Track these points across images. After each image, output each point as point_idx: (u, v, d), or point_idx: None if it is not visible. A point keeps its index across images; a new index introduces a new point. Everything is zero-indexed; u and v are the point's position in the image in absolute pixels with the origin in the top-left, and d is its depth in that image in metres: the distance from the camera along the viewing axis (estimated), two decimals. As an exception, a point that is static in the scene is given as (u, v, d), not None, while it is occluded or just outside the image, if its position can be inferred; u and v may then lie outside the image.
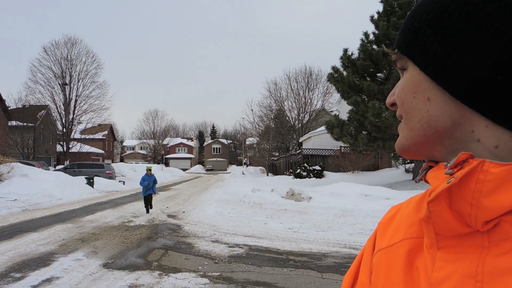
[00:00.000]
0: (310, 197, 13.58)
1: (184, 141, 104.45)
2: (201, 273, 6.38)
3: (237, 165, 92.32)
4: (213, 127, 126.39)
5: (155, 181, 14.49)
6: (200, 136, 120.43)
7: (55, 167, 39.94)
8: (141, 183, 14.37)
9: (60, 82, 43.12)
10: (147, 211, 13.98)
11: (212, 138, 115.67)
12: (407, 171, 22.82)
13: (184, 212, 14.20)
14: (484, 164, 0.51)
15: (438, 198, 0.53)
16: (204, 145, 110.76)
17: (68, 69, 43.59)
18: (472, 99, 0.55)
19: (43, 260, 7.01)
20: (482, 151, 0.55)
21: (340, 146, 28.14)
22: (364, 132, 17.44)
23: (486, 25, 0.53)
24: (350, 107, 17.87)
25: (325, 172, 26.75)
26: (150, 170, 14.69)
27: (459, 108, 0.56)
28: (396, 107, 0.66)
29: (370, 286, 0.68)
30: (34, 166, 25.89)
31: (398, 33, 0.66)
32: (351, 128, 18.14)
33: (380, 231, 0.73)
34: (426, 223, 0.56)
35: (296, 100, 51.83)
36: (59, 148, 45.07)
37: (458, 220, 0.53)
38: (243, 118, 57.95)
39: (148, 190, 14.16)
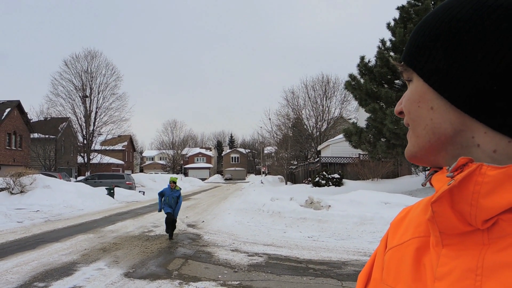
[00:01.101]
0: (329, 206, 13.52)
1: (203, 151, 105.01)
2: (221, 281, 6.41)
3: (255, 174, 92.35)
4: (231, 136, 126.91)
5: (179, 199, 11.08)
6: (219, 146, 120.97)
7: (76, 178, 40.59)
8: (159, 199, 11.11)
9: (80, 94, 43.96)
10: (170, 236, 10.63)
11: (230, 148, 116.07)
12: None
13: (203, 221, 14.27)
14: (482, 167, 0.56)
15: (440, 199, 0.58)
16: (222, 154, 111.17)
17: (89, 81, 44.46)
18: (471, 107, 0.59)
19: (66, 270, 7.13)
20: (482, 155, 0.60)
21: (359, 154, 27.93)
22: (382, 140, 17.31)
23: (482, 41, 0.58)
24: (368, 115, 17.77)
25: (344, 180, 26.58)
26: (175, 182, 11.02)
27: (459, 116, 0.61)
28: (403, 115, 0.70)
29: (381, 283, 0.72)
30: (56, 177, 26.34)
31: (405, 47, 0.70)
32: (370, 135, 18.04)
33: (391, 231, 0.78)
34: (431, 222, 0.61)
35: (313, 108, 51.79)
36: (80, 159, 45.83)
37: (460, 220, 0.57)
38: (261, 127, 58.46)
39: (168, 208, 10.88)
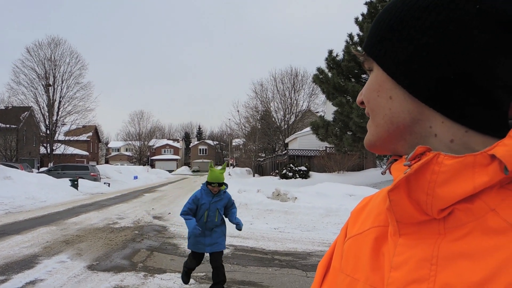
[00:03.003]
0: (296, 197, 13.66)
1: (170, 142, 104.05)
2: (187, 273, 6.39)
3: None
4: (199, 128, 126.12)
5: (232, 207, 5.51)
6: (186, 137, 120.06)
7: (38, 169, 39.44)
8: (186, 217, 5.11)
9: (43, 83, 42.73)
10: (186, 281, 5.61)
11: (198, 139, 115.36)
12: (391, 171, 22.96)
13: (170, 213, 14.16)
14: (439, 157, 0.56)
15: (397, 188, 0.58)
16: (190, 146, 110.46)
17: (52, 70, 43.24)
18: (429, 97, 0.59)
19: (27, 263, 6.95)
20: (439, 145, 0.60)
21: (326, 147, 28.31)
22: (349, 133, 17.59)
23: (440, 30, 0.58)
24: (335, 108, 18.01)
25: (310, 173, 26.89)
26: (222, 181, 5.16)
27: (418, 105, 0.61)
28: (365, 105, 0.70)
29: (339, 272, 0.72)
30: (17, 168, 25.56)
31: (366, 36, 0.70)
32: (336, 128, 18.29)
33: (351, 220, 0.78)
34: (389, 211, 0.61)
35: (282, 101, 52.09)
36: (42, 150, 44.60)
37: (417, 209, 0.57)
38: (229, 119, 58.24)
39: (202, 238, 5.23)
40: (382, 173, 0.71)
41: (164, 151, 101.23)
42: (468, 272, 0.52)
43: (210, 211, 5.09)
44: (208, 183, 5.07)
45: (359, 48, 17.69)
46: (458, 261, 0.53)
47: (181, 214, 5.14)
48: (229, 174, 44.12)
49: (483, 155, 0.54)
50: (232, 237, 9.51)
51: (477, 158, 0.54)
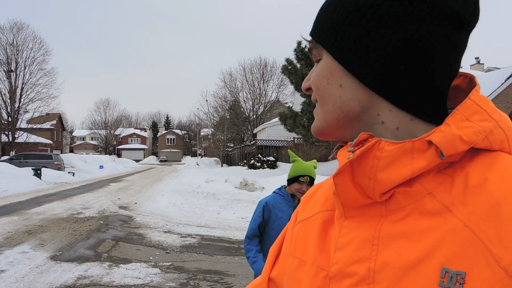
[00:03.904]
0: (263, 187, 13.76)
1: (137, 131, 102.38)
2: (152, 263, 6.37)
3: (191, 156, 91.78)
4: (167, 117, 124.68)
5: None
6: (154, 127, 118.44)
7: (0, 158, 38.22)
8: (250, 253, 3.02)
9: (5, 68, 41.03)
10: None
11: (166, 129, 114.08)
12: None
13: (136, 203, 14.01)
14: (381, 143, 0.58)
15: (342, 173, 0.61)
16: (158, 135, 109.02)
17: (14, 55, 41.51)
18: (378, 85, 0.61)
19: (-14, 254, 6.77)
20: (385, 132, 0.62)
21: (294, 137, 28.52)
22: (316, 124, 17.79)
23: (389, 18, 0.59)
24: (303, 99, 18.15)
25: (278, 163, 27.09)
26: (314, 173, 3.02)
27: (367, 94, 0.62)
28: (311, 91, 0.70)
29: (289, 255, 0.75)
30: (-23, 156, 24.68)
31: (313, 23, 0.69)
32: (304, 119, 18.46)
33: (301, 207, 0.81)
34: (335, 195, 0.64)
35: (251, 91, 51.97)
36: (4, 138, 42.98)
37: (360, 193, 0.61)
38: (198, 108, 57.92)
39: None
40: (329, 159, 0.73)
41: (131, 141, 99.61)
42: (406, 251, 0.55)
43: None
44: (292, 180, 3.00)
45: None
46: (397, 241, 0.57)
47: (245, 243, 3.08)
48: (197, 164, 43.95)
49: (421, 141, 0.57)
50: (199, 226, 9.53)
51: (416, 144, 0.57)
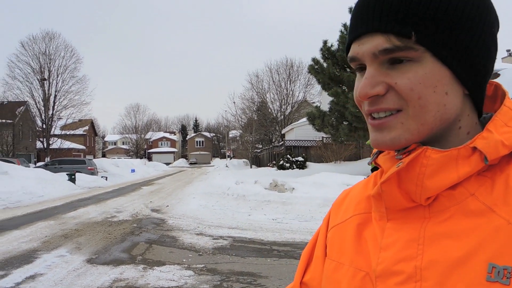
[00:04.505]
0: (293, 188, 13.71)
1: (167, 135, 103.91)
2: (186, 265, 6.44)
3: (220, 158, 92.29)
4: (196, 120, 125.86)
5: None
6: (183, 130, 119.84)
7: (35, 164, 39.38)
8: None
9: (38, 77, 42.39)
10: None
11: (195, 132, 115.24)
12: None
13: (168, 206, 14.20)
14: (427, 151, 0.61)
15: (389, 180, 0.62)
16: (187, 138, 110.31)
17: (47, 64, 42.87)
18: (476, 90, 0.64)
19: (26, 258, 6.97)
20: (458, 137, 0.64)
21: (322, 137, 28.33)
22: (345, 123, 17.61)
23: (488, 28, 0.62)
24: (331, 98, 18.00)
25: (307, 163, 26.95)
26: None
27: (461, 99, 0.63)
28: (373, 98, 0.63)
29: (326, 258, 0.77)
30: (14, 163, 25.46)
31: (405, 16, 0.59)
32: (332, 119, 18.30)
33: (333, 211, 0.83)
34: (376, 199, 0.66)
35: (278, 92, 52.02)
36: (39, 144, 44.38)
37: (405, 197, 0.63)
38: (225, 110, 58.28)
39: None
40: (368, 164, 0.74)
41: (161, 144, 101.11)
42: (452, 249, 0.57)
43: None
44: None
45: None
46: (442, 240, 0.59)
47: None
48: (226, 166, 44.18)
49: (466, 148, 0.60)
50: (231, 228, 9.57)
51: (461, 151, 0.60)
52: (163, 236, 8.81)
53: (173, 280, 5.70)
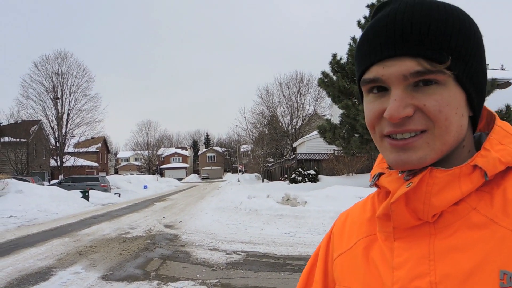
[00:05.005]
0: (306, 202, 13.67)
1: (179, 150, 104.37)
2: (200, 280, 6.45)
3: (232, 173, 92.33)
4: (207, 135, 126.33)
5: None
6: (194, 145, 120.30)
7: (49, 181, 39.77)
8: None
9: (51, 96, 43.04)
10: None
11: (206, 147, 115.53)
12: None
13: (180, 221, 14.23)
14: (432, 171, 0.66)
15: (399, 200, 0.66)
16: (198, 154, 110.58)
17: (60, 83, 43.53)
18: (478, 112, 0.71)
19: (42, 275, 7.04)
20: (461, 156, 0.69)
21: (334, 150, 28.22)
22: (356, 135, 17.55)
23: (483, 53, 0.70)
24: (341, 111, 17.99)
25: (319, 176, 26.83)
26: None
27: (468, 121, 0.69)
28: (402, 119, 0.65)
29: (336, 285, 0.80)
30: (29, 181, 25.76)
31: (437, 44, 0.63)
32: (343, 131, 18.25)
33: (336, 237, 0.86)
34: (383, 220, 0.70)
35: (288, 106, 52.02)
36: (52, 162, 44.86)
37: (412, 216, 0.67)
38: (236, 125, 58.37)
39: None
40: (370, 186, 0.77)
41: (173, 160, 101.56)
42: (462, 262, 0.61)
43: None
44: None
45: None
46: (452, 254, 0.63)
47: None
48: (238, 180, 44.17)
49: (467, 166, 0.65)
50: (244, 243, 9.56)
51: (463, 169, 0.65)
52: (176, 251, 8.84)
53: (188, 296, 5.71)
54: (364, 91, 0.71)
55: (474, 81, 0.67)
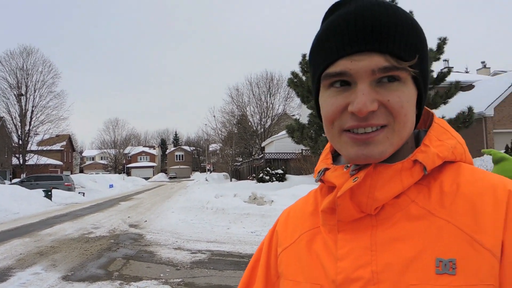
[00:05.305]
0: (272, 201, 13.75)
1: (146, 149, 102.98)
2: (163, 280, 6.39)
3: (200, 172, 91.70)
4: (176, 134, 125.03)
5: None
6: (163, 144, 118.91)
7: (11, 180, 38.49)
8: None
9: (15, 92, 41.69)
10: None
11: (174, 146, 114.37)
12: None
13: (146, 221, 14.06)
14: (377, 166, 0.68)
15: (344, 194, 0.69)
16: (166, 153, 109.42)
17: (24, 79, 42.23)
18: (422, 111, 0.75)
19: (0, 276, 6.82)
20: (406, 151, 0.72)
21: (302, 149, 28.50)
22: (323, 135, 17.77)
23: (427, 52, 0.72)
24: (310, 111, 18.18)
25: (287, 175, 27.02)
26: None
27: None
28: (367, 114, 0.66)
29: (282, 279, 0.81)
30: (-12, 180, 24.91)
31: (398, 45, 0.65)
32: (311, 131, 18.43)
33: (280, 232, 0.87)
34: (327, 214, 0.72)
35: (258, 105, 52.21)
36: (15, 161, 43.46)
37: (356, 209, 0.69)
38: (205, 124, 58.06)
39: None
40: (316, 181, 0.79)
41: (140, 159, 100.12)
42: (402, 251, 0.64)
43: None
44: None
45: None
46: (392, 244, 0.66)
47: None
48: (206, 179, 43.99)
49: (408, 161, 0.68)
50: (209, 242, 9.54)
51: (404, 164, 0.68)
52: (140, 251, 8.73)
53: (150, 295, 5.65)
54: (323, 86, 0.71)
55: (425, 80, 0.70)
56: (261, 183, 25.77)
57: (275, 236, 0.88)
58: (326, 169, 0.76)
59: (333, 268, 0.69)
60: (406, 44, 0.66)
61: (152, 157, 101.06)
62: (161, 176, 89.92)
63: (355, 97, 0.65)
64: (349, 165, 0.72)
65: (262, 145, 44.70)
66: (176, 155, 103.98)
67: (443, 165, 0.70)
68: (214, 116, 52.85)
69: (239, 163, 49.35)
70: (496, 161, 1.91)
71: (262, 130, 50.89)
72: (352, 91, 0.66)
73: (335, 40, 0.67)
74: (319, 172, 0.77)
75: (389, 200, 0.68)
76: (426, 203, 0.67)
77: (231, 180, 42.86)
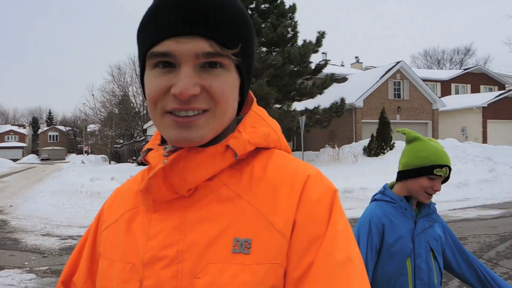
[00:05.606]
0: (151, 184, 13.56)
1: (15, 128, 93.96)
2: (28, 268, 6.05)
3: (77, 154, 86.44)
4: (50, 113, 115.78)
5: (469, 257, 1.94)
6: (34, 123, 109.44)
7: None
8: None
9: None
10: None
11: (48, 125, 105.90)
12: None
13: (11, 206, 12.99)
14: (190, 149, 0.73)
15: (156, 175, 0.72)
16: (38, 132, 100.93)
17: None
18: (245, 98, 0.81)
19: None
20: (227, 135, 0.76)
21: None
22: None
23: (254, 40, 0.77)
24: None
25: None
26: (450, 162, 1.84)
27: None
28: (189, 97, 0.68)
29: (100, 258, 0.82)
30: None
31: (220, 27, 0.68)
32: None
33: (105, 211, 0.89)
34: (145, 193, 0.75)
35: (140, 86, 50.55)
36: None
37: (169, 190, 0.73)
38: (83, 103, 54.47)
39: None
40: (137, 161, 0.84)
41: (8, 138, 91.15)
42: (208, 231, 0.70)
43: (418, 257, 1.82)
44: (415, 173, 1.83)
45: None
46: (201, 224, 0.71)
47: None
48: (83, 162, 41.70)
49: (221, 146, 0.74)
50: (82, 227, 9.19)
51: (217, 149, 0.74)
52: (3, 238, 8.10)
53: (12, 285, 5.34)
54: (149, 65, 0.71)
55: (249, 69, 0.76)
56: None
57: (102, 216, 0.88)
58: (150, 150, 0.79)
59: (144, 247, 0.71)
60: (231, 33, 0.68)
61: (21, 137, 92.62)
62: (31, 158, 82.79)
63: (178, 80, 0.66)
64: (167, 146, 0.75)
65: (144, 127, 43.57)
66: (50, 135, 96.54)
67: (257, 151, 0.76)
68: (93, 95, 49.72)
69: (119, 145, 47.50)
70: (409, 140, 1.92)
71: (145, 111, 49.47)
72: (176, 73, 0.68)
73: (163, 18, 0.67)
74: (143, 152, 0.79)
75: (201, 183, 0.72)
76: (236, 186, 0.72)
77: (110, 163, 41.11)
